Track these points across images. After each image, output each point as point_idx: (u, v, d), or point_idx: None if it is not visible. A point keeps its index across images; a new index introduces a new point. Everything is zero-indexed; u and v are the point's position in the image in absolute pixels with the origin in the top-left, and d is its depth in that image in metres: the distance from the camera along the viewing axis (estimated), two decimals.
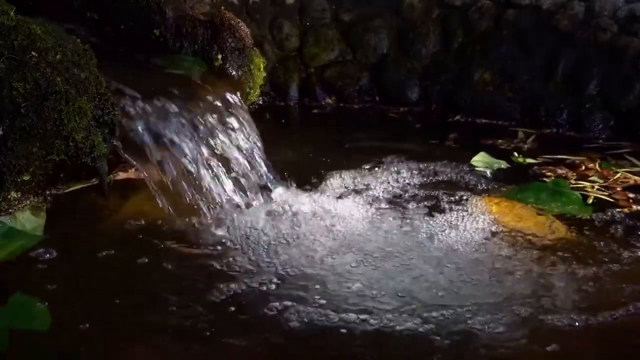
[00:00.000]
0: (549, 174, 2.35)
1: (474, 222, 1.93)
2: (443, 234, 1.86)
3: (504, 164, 2.44)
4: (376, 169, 2.33)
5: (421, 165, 2.37)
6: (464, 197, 2.09)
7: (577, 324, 1.45)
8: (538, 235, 1.86)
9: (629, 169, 2.42)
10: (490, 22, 3.16)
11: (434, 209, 2.02)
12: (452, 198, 2.09)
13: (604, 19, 2.96)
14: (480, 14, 3.17)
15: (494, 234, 1.86)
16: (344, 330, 1.42)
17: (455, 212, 1.98)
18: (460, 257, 1.74)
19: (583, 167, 2.43)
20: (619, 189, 2.24)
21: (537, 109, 2.97)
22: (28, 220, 1.77)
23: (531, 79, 3.02)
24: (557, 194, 2.13)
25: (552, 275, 1.65)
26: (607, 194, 2.19)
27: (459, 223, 1.92)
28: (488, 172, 2.36)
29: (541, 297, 1.55)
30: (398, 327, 1.43)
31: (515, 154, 2.53)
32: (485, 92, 3.08)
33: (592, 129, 2.86)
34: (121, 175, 2.07)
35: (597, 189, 2.22)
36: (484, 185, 2.22)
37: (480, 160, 2.44)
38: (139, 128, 1.85)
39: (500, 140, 2.74)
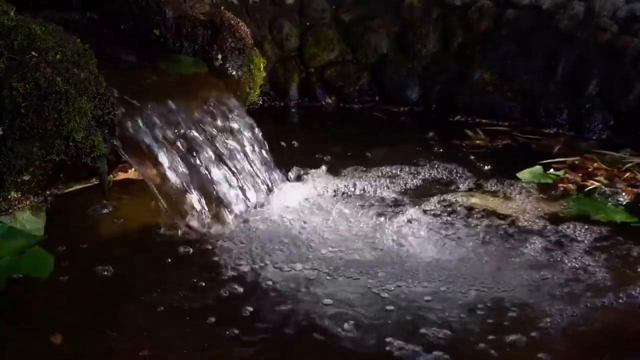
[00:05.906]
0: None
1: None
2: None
3: (550, 179, 2.33)
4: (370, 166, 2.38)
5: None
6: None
7: None
8: None
9: (629, 167, 2.41)
10: (490, 22, 3.16)
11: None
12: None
13: (604, 19, 2.96)
14: (480, 14, 3.17)
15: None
16: None
17: None
18: None
19: (591, 169, 2.41)
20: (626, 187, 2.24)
21: (537, 109, 2.97)
22: (28, 220, 1.77)
23: (531, 79, 3.02)
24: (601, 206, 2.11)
25: None
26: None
27: None
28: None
29: None
30: None
31: (553, 169, 2.40)
32: (485, 92, 3.08)
33: (592, 129, 2.87)
34: (121, 176, 2.07)
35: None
36: None
37: (527, 173, 2.34)
38: (139, 128, 1.85)
39: (478, 141, 2.75)
